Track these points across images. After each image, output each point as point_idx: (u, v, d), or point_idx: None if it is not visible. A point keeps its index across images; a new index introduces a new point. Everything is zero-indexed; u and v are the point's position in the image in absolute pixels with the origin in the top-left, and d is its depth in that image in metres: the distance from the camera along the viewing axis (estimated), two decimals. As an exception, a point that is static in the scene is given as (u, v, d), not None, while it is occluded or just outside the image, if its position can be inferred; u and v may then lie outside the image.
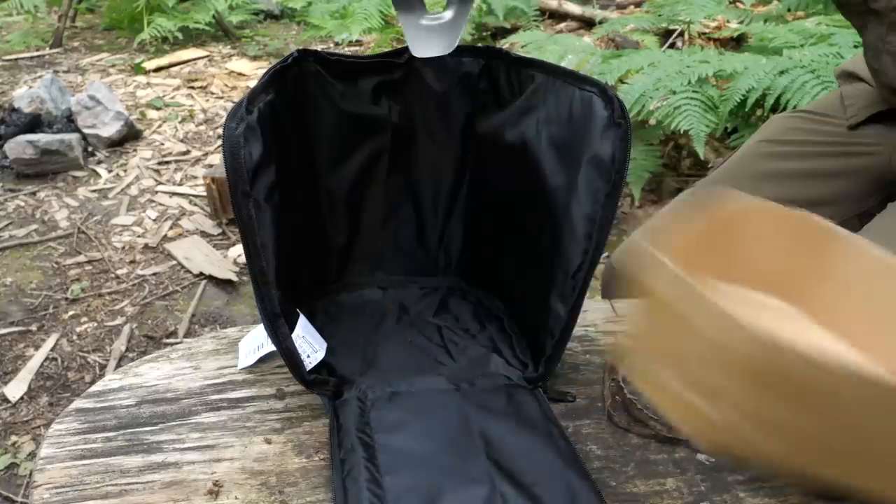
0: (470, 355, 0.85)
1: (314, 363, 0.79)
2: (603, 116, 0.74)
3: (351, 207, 0.91)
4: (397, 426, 0.74)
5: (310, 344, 0.80)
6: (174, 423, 0.77)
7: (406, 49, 0.86)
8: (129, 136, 2.83)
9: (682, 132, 2.04)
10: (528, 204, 0.82)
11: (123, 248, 2.15)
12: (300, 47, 0.87)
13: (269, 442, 0.76)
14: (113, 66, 3.71)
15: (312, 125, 0.85)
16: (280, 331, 0.74)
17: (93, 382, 1.60)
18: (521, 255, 0.86)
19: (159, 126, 2.99)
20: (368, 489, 0.66)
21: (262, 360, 0.85)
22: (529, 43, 2.72)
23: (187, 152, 2.78)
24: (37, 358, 1.69)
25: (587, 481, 0.68)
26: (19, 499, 1.35)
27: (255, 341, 0.86)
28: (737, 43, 3.00)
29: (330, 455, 0.73)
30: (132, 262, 2.08)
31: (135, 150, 2.78)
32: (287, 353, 0.74)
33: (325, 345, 0.82)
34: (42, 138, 2.54)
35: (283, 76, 0.78)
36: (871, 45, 0.76)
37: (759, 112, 2.21)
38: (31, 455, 1.43)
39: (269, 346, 0.83)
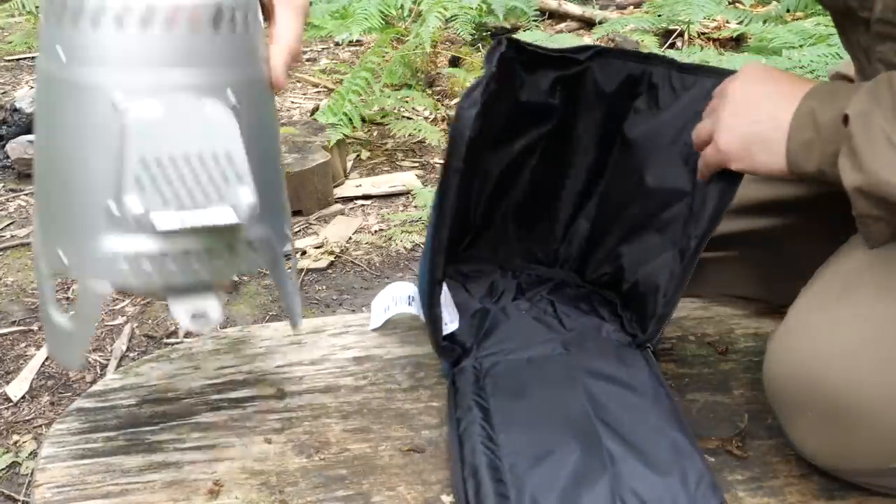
0: (582, 324, 0.90)
1: (447, 332, 0.85)
2: None
3: (498, 188, 0.96)
4: (510, 390, 0.79)
5: (448, 313, 0.86)
6: (175, 422, 0.78)
7: (586, 47, 0.89)
8: (130, 136, 2.83)
9: (681, 132, 2.04)
10: (666, 202, 0.85)
11: (124, 248, 2.15)
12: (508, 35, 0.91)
13: (269, 442, 0.76)
14: (114, 66, 3.71)
15: (490, 107, 0.88)
16: (435, 297, 0.80)
17: (94, 382, 1.60)
18: (645, 246, 0.89)
19: (160, 126, 2.99)
20: (483, 444, 0.71)
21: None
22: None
23: (188, 152, 2.78)
24: (38, 357, 1.70)
25: (691, 439, 0.72)
26: (21, 498, 1.35)
27: (384, 303, 0.94)
28: (736, 43, 2.99)
29: (448, 413, 0.78)
30: (133, 262, 2.08)
31: (135, 151, 2.78)
32: (434, 317, 0.81)
33: (458, 317, 0.88)
34: (43, 138, 2.55)
35: (500, 59, 0.81)
36: (860, 48, 0.76)
37: (758, 112, 2.20)
38: (33, 454, 1.43)
39: (395, 309, 0.92)
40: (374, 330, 0.93)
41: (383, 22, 3.23)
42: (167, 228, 0.61)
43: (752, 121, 0.72)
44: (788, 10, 2.87)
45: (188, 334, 1.77)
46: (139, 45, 0.61)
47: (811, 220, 0.94)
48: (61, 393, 1.59)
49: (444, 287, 0.87)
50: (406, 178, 2.34)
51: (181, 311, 0.66)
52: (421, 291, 0.82)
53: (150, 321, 1.83)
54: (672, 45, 2.96)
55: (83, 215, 0.64)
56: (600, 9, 3.75)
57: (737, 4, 3.24)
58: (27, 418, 1.53)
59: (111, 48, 0.61)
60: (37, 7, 3.95)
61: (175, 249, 0.63)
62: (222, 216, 0.62)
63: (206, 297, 0.67)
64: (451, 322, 0.85)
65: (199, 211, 0.61)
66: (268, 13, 0.69)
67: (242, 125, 0.63)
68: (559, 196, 0.97)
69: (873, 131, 0.62)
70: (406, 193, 2.26)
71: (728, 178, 0.76)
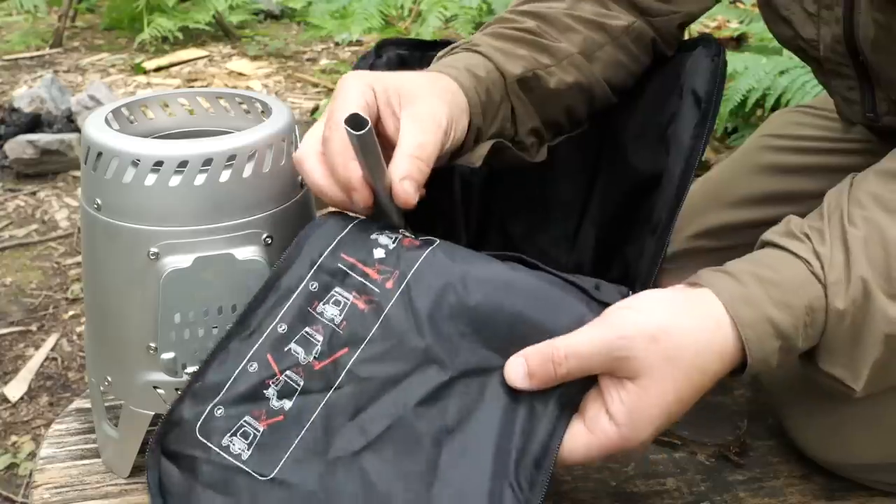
0: None
1: None
2: (705, 61, 0.75)
3: (485, 198, 0.91)
4: None
5: None
6: (174, 423, 0.77)
7: None
8: (129, 135, 2.83)
9: (682, 132, 2.04)
10: (647, 191, 0.82)
11: (123, 247, 2.15)
12: (380, 39, 0.88)
13: (268, 442, 0.76)
14: (113, 65, 3.71)
15: None
16: None
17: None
18: (641, 244, 0.86)
19: (159, 126, 3.00)
20: None
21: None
22: (529, 43, 2.71)
23: (187, 152, 2.78)
24: (37, 358, 1.70)
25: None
26: (19, 499, 1.35)
27: None
28: (737, 43, 2.99)
29: None
30: (132, 261, 2.08)
31: (135, 150, 2.78)
32: None
33: None
34: (42, 138, 2.55)
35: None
36: (821, 81, 0.79)
37: (759, 112, 2.21)
38: (32, 455, 1.43)
39: None
40: None
41: (383, 22, 3.23)
42: None
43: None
44: (788, 10, 2.87)
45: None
46: (173, 195, 0.60)
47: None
48: (60, 393, 1.59)
49: None
50: (406, 178, 2.33)
51: None
52: None
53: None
54: (672, 45, 2.96)
55: (124, 350, 0.67)
56: (600, 9, 3.75)
57: (737, 4, 3.24)
58: (26, 419, 1.53)
59: (145, 199, 0.61)
60: (35, 6, 3.95)
61: None
62: None
63: None
64: None
65: None
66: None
67: (279, 254, 0.64)
68: (555, 201, 0.92)
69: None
70: (406, 193, 2.26)
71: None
